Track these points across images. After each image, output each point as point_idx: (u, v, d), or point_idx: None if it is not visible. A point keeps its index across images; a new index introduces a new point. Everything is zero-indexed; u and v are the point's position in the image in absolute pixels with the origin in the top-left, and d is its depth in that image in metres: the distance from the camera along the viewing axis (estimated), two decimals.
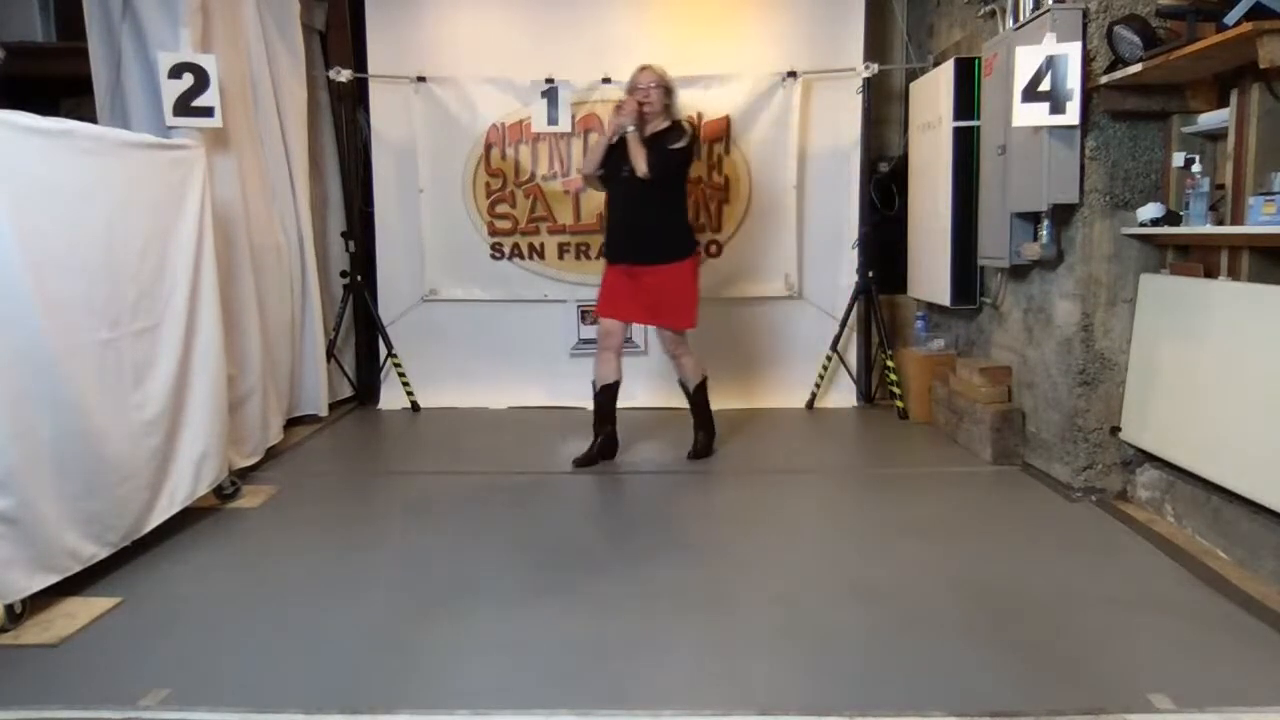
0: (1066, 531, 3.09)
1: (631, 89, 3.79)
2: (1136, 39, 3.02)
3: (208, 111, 3.52)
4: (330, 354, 4.98)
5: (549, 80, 4.76)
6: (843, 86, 4.99)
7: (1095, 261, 3.34)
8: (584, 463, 3.89)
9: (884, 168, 5.20)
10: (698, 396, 4.05)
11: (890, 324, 5.18)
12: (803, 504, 3.52)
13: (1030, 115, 3.24)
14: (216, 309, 3.32)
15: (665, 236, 3.82)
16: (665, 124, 3.81)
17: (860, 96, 4.96)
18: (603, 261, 4.00)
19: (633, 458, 4.10)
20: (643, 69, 3.81)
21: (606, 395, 3.94)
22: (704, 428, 4.09)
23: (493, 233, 5.14)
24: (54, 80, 4.17)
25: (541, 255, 5.16)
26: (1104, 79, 3.18)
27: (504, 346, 5.21)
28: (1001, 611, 2.46)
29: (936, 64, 4.75)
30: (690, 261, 3.86)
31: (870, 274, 4.97)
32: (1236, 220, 2.86)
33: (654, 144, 3.73)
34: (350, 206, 5.20)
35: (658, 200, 3.77)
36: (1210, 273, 3.04)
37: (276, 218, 4.36)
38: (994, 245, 3.86)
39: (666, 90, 3.79)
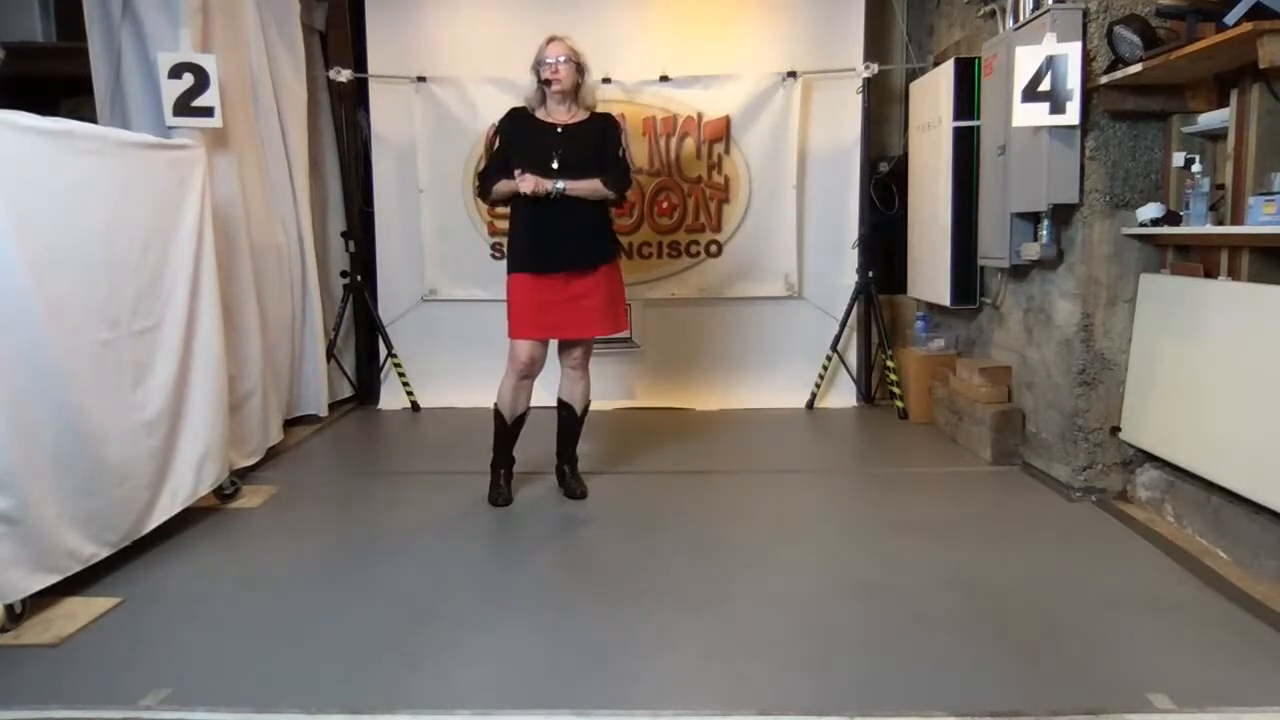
0: (1066, 531, 3.09)
1: (538, 63, 3.29)
2: (1136, 39, 3.02)
3: (208, 111, 3.52)
4: (330, 354, 4.98)
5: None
6: (843, 86, 4.99)
7: (1095, 261, 3.34)
8: (504, 502, 3.46)
9: (884, 168, 5.20)
10: (581, 421, 3.59)
11: (890, 324, 5.18)
12: (803, 504, 3.51)
13: (1030, 115, 3.24)
14: (216, 309, 3.32)
15: (602, 234, 3.39)
16: (583, 114, 3.37)
17: (860, 96, 4.96)
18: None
19: (633, 459, 4.10)
20: (551, 40, 3.31)
21: (516, 428, 3.48)
22: (573, 461, 3.62)
23: (493, 233, 5.13)
24: (54, 80, 4.17)
25: None
26: (1104, 79, 3.18)
27: (504, 346, 5.15)
28: (1001, 611, 2.46)
29: (936, 64, 4.75)
30: (618, 259, 3.48)
31: (870, 274, 4.97)
32: (1236, 220, 2.86)
33: (579, 136, 3.30)
34: (350, 206, 5.20)
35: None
36: (1210, 273, 3.04)
37: (276, 218, 4.36)
38: (994, 245, 3.86)
39: (578, 67, 3.31)
